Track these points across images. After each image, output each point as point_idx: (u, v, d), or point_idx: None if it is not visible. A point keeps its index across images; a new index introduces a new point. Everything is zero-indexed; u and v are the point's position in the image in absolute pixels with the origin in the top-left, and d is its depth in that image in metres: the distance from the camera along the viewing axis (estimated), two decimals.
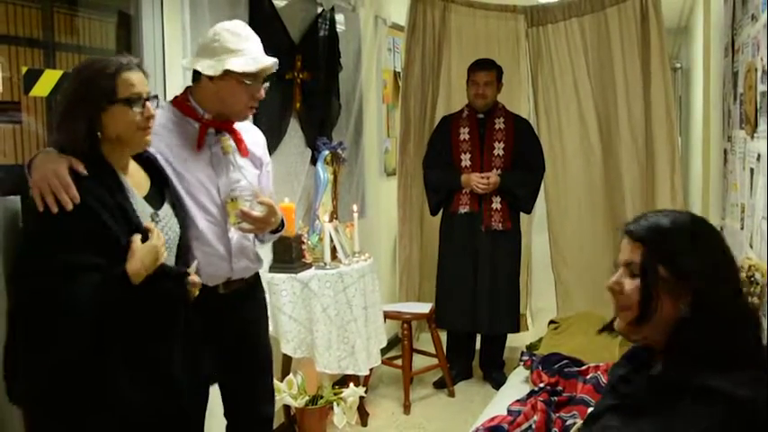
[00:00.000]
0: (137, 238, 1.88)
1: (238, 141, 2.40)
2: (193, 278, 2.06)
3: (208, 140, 2.34)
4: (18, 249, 1.88)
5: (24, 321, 1.85)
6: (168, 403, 1.96)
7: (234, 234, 2.37)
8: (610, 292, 1.55)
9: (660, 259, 1.46)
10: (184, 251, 2.13)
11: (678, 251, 1.46)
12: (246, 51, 2.29)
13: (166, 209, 2.08)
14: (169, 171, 2.24)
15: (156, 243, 1.90)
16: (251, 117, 2.49)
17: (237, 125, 2.45)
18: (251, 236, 2.47)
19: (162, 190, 2.13)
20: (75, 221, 1.80)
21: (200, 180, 2.31)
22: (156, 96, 1.99)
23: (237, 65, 2.26)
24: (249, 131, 2.51)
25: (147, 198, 2.02)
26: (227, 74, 2.27)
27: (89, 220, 1.81)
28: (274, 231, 2.48)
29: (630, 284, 1.50)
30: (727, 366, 1.37)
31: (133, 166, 2.06)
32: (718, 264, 1.47)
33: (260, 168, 2.49)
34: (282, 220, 2.46)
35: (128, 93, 1.91)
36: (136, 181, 2.03)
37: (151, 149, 2.17)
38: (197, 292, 2.08)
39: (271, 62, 2.32)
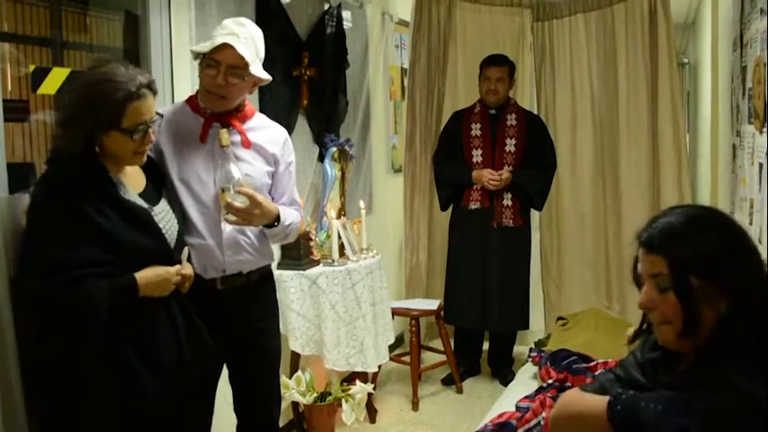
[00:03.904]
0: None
1: (241, 134, 2.38)
2: (186, 269, 2.08)
3: (212, 134, 2.34)
4: (18, 254, 1.90)
5: (32, 322, 1.88)
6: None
7: (226, 226, 2.33)
8: (643, 310, 1.50)
9: (689, 269, 1.41)
10: (181, 245, 2.15)
11: (701, 254, 1.41)
12: (216, 37, 2.27)
13: (163, 205, 2.12)
14: (168, 162, 2.28)
15: (170, 271, 1.99)
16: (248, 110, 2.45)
17: (258, 120, 2.46)
18: (255, 230, 2.42)
19: (159, 188, 2.16)
20: (64, 218, 1.84)
21: (197, 171, 2.32)
22: (159, 116, 2.03)
23: (195, 46, 2.31)
24: (269, 128, 2.50)
25: (142, 195, 2.06)
26: (202, 62, 2.31)
27: (73, 213, 1.84)
28: (269, 227, 2.41)
29: (663, 300, 1.45)
30: (756, 365, 1.34)
31: (130, 167, 2.09)
32: (740, 245, 1.43)
33: (274, 166, 2.46)
34: (278, 216, 2.39)
35: (133, 123, 1.91)
36: (132, 179, 2.06)
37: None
38: (188, 285, 2.11)
39: (219, 43, 2.23)
